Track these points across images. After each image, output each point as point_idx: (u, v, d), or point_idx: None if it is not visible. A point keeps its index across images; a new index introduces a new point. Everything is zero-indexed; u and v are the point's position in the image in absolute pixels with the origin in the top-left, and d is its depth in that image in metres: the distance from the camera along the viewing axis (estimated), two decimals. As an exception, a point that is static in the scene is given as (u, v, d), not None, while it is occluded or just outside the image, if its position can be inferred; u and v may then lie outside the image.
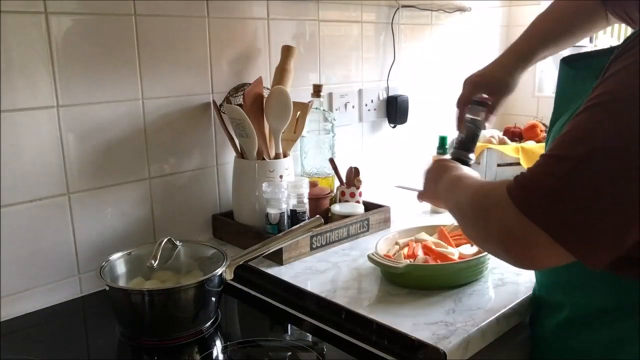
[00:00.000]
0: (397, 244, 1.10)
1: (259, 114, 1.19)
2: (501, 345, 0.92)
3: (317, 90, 1.35)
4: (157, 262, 0.92)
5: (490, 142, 1.71)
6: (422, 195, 1.01)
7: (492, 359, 0.91)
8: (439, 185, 0.90)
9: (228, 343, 0.92)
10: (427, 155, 1.77)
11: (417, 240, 1.09)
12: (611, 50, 0.70)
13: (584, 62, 0.84)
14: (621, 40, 0.71)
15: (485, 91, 1.07)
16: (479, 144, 1.71)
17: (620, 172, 0.59)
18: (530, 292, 0.96)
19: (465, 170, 0.90)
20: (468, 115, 1.06)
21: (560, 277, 0.84)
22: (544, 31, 1.06)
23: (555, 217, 0.61)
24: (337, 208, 1.26)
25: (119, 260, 0.97)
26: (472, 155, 1.03)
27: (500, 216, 0.66)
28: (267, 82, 1.30)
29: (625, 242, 0.61)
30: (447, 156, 1.07)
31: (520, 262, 0.67)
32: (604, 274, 0.68)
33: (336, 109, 1.52)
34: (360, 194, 1.32)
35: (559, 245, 0.61)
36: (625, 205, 0.59)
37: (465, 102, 1.07)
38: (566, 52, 1.03)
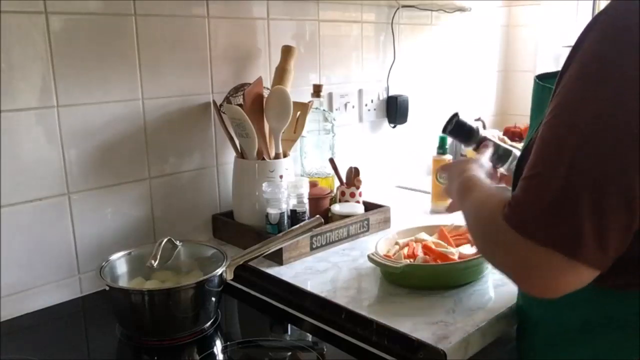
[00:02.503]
0: (397, 244, 1.10)
1: (259, 114, 1.19)
2: (501, 345, 0.91)
3: (317, 90, 1.35)
4: (157, 262, 0.92)
5: (490, 142, 1.70)
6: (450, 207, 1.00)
7: (492, 359, 0.91)
8: (452, 187, 0.90)
9: (228, 343, 0.92)
10: (427, 155, 1.77)
11: (417, 240, 1.09)
12: None
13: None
14: None
15: None
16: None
17: (612, 165, 0.58)
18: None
19: (475, 177, 0.87)
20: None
21: None
22: None
23: (566, 233, 0.59)
24: (337, 208, 1.26)
25: (119, 260, 0.97)
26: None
27: (509, 251, 0.64)
28: (267, 82, 1.30)
29: (629, 238, 0.60)
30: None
31: (539, 291, 0.64)
32: (585, 288, 0.65)
33: (336, 109, 1.52)
34: (360, 194, 1.32)
35: (575, 262, 0.59)
36: (629, 198, 0.58)
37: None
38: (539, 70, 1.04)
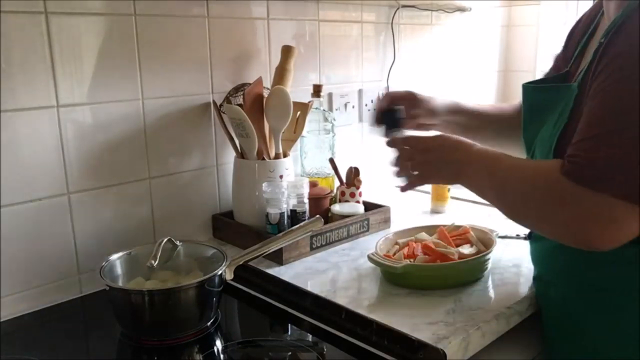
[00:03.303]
0: (397, 244, 1.10)
1: (259, 114, 1.19)
2: (501, 345, 0.92)
3: (317, 90, 1.34)
4: (157, 262, 0.92)
5: (490, 142, 1.70)
6: (418, 181, 0.99)
7: (492, 359, 0.91)
8: (453, 167, 0.90)
9: (228, 343, 0.92)
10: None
11: (417, 240, 1.09)
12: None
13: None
14: None
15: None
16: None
17: None
18: (529, 291, 0.96)
19: (483, 148, 0.88)
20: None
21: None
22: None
23: (636, 183, 0.65)
24: (337, 208, 1.26)
25: (119, 260, 0.96)
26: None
27: (574, 206, 0.70)
28: (267, 82, 1.30)
29: None
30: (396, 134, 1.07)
31: (599, 240, 0.69)
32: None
33: (336, 109, 1.52)
34: (360, 194, 1.32)
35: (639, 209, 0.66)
36: None
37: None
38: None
